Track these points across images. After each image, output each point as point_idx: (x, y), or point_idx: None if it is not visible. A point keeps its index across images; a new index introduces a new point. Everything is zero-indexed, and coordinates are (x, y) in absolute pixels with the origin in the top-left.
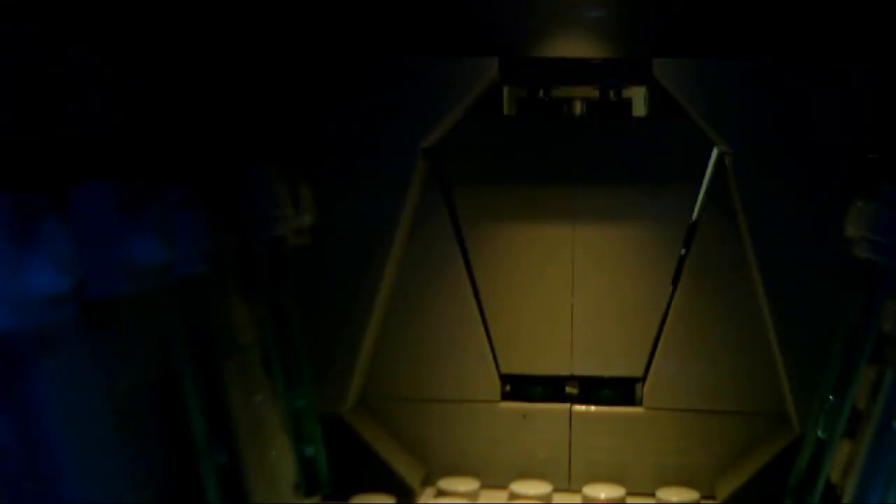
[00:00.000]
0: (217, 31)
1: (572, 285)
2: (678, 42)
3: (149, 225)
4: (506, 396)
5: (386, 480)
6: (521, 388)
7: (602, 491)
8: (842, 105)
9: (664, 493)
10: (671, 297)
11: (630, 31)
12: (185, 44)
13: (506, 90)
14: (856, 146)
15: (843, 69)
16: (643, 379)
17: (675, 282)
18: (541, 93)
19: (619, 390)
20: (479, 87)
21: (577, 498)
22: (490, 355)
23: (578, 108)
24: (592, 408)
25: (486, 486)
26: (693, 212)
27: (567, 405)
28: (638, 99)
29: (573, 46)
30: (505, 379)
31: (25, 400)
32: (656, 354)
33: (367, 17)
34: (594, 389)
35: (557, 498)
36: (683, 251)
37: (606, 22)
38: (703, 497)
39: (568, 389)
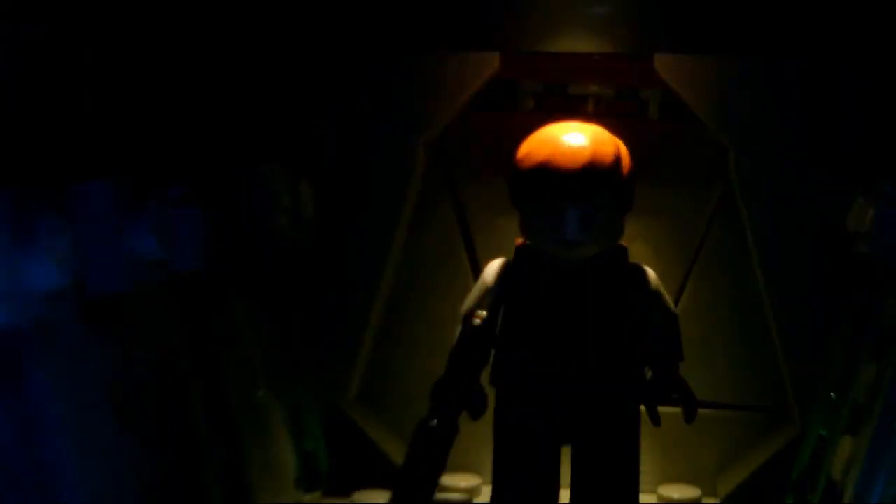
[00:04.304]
0: (219, 29)
1: None
2: (680, 38)
3: (148, 222)
4: None
5: (389, 476)
6: None
7: None
8: (843, 102)
9: (665, 490)
10: (679, 297)
11: (632, 27)
12: (187, 41)
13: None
14: (857, 143)
15: (845, 67)
16: None
17: (683, 282)
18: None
19: None
20: (481, 82)
21: None
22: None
23: (592, 106)
24: None
25: (487, 482)
26: (703, 212)
27: None
28: (653, 100)
29: (575, 41)
30: None
31: (25, 396)
32: None
33: (368, 13)
34: None
35: (560, 496)
36: (693, 250)
37: (608, 17)
38: (705, 493)
39: None
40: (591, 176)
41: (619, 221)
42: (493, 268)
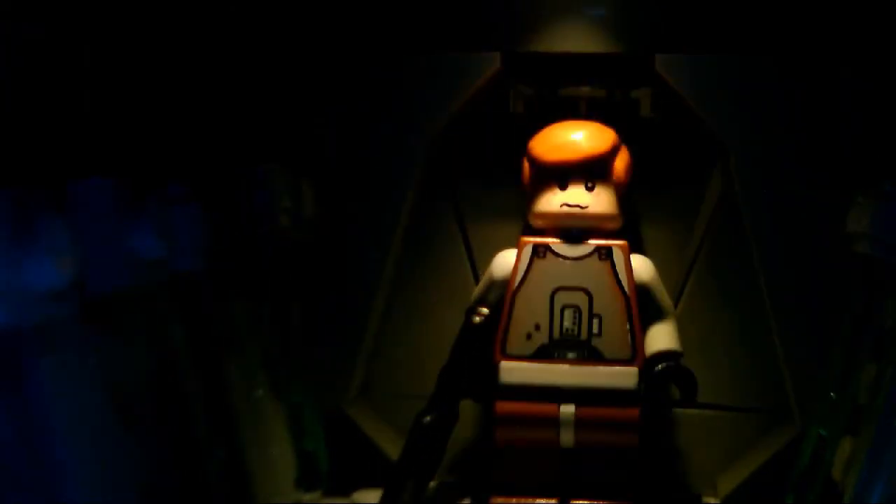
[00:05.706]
0: (219, 29)
1: None
2: (680, 38)
3: (148, 221)
4: None
5: (389, 475)
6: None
7: None
8: (843, 102)
9: None
10: (679, 298)
11: (633, 26)
12: (187, 41)
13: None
14: (857, 143)
15: (845, 67)
16: None
17: (683, 281)
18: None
19: None
20: (482, 83)
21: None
22: None
23: (584, 108)
24: None
25: None
26: (703, 212)
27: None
28: (644, 100)
29: (576, 41)
30: None
31: (25, 396)
32: None
33: (368, 12)
34: None
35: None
36: (693, 250)
37: (609, 17)
38: (705, 493)
39: None
40: (589, 156)
41: (614, 201)
42: (499, 260)
